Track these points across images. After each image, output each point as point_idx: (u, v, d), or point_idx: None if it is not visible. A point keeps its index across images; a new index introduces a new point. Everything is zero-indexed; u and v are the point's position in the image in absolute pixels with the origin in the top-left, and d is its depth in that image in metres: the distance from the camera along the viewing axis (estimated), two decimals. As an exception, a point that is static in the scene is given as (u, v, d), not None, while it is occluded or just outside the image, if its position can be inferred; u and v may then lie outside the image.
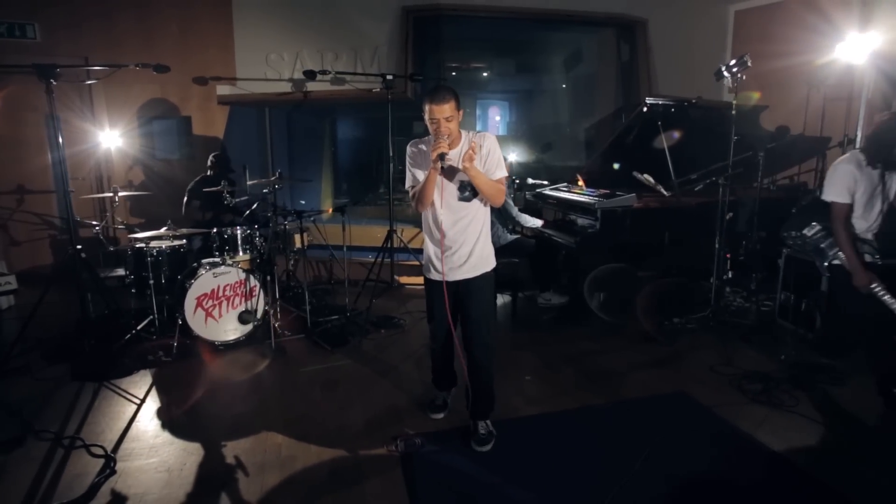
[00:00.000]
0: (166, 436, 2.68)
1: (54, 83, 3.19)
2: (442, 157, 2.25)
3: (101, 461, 2.44)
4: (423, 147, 2.48)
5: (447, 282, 2.51)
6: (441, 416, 2.87)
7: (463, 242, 2.49)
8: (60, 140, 3.28)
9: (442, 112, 2.28)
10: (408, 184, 2.55)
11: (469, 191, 2.44)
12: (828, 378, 3.22)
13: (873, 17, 4.51)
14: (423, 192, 2.41)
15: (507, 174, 2.51)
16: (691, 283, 4.48)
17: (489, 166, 2.43)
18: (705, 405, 2.97)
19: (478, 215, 2.51)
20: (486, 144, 2.43)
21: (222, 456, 2.51)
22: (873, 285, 2.62)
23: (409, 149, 2.53)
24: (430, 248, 2.57)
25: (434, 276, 2.56)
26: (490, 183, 2.39)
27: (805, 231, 3.17)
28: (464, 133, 2.44)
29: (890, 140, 2.58)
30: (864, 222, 2.75)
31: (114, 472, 2.37)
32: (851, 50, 4.28)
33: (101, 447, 2.54)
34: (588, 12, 5.80)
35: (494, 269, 2.61)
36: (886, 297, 2.56)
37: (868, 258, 2.72)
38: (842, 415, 2.88)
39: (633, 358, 3.60)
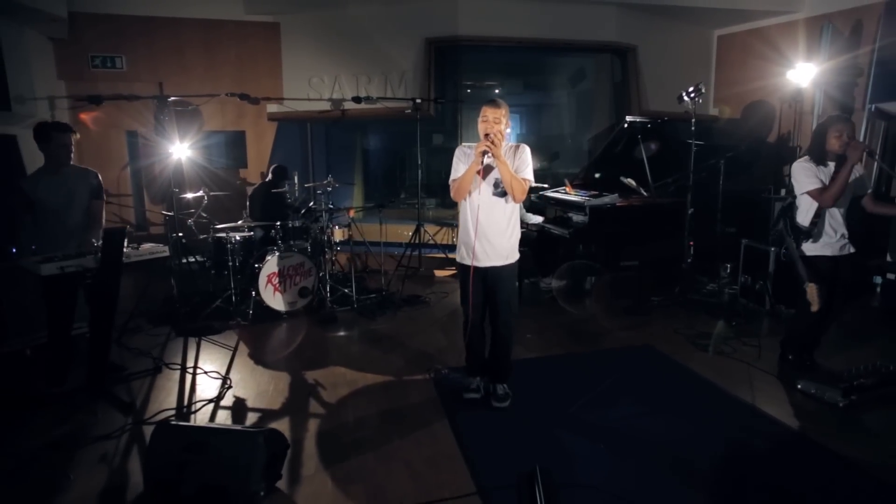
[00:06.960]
0: (260, 369, 3.65)
1: (165, 111, 4.22)
2: (485, 153, 2.67)
3: (219, 381, 3.41)
4: (468, 150, 2.86)
5: (478, 267, 2.87)
6: (474, 396, 3.19)
7: (494, 233, 2.86)
8: (169, 150, 4.34)
9: (494, 113, 2.72)
10: (452, 176, 2.91)
11: (502, 186, 2.82)
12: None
13: (819, 49, 5.39)
14: (462, 181, 2.81)
15: (532, 179, 2.85)
16: (666, 268, 5.34)
17: (518, 165, 2.82)
18: (665, 353, 3.86)
19: (506, 211, 2.89)
20: (521, 150, 2.85)
21: (304, 378, 3.47)
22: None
23: (457, 150, 2.94)
24: (465, 237, 2.91)
25: (467, 261, 2.90)
26: (514, 176, 2.75)
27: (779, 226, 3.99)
28: (505, 143, 2.82)
29: (817, 140, 3.23)
30: (834, 221, 3.15)
31: (231, 386, 3.34)
32: (799, 75, 5.17)
33: (217, 372, 3.52)
34: (584, 41, 6.75)
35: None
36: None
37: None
38: (762, 359, 3.75)
39: (613, 325, 4.49)
